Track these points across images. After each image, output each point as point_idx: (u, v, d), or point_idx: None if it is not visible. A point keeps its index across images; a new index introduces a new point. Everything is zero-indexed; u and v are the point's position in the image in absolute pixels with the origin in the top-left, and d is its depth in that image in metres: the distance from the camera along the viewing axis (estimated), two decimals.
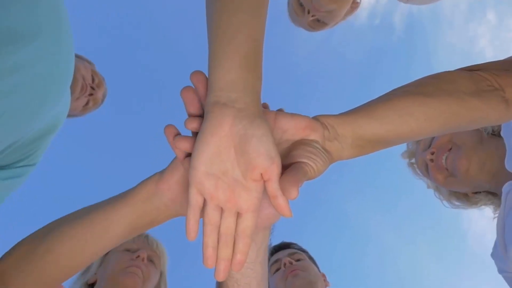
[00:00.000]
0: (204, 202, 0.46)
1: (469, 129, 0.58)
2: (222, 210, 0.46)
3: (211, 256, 0.46)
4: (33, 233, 0.56)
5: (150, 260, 1.07)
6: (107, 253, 1.06)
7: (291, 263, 1.17)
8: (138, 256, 1.03)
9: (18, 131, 0.72)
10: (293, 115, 0.49)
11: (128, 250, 1.05)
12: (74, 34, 0.82)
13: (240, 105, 0.44)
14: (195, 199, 0.46)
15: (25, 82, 0.68)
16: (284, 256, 1.20)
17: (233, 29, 0.45)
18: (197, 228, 0.47)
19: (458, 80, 0.55)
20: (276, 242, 1.30)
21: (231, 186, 0.45)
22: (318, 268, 1.23)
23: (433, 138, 1.10)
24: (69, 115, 1.47)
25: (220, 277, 0.47)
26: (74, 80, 0.90)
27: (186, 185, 0.50)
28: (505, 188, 0.90)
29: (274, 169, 0.43)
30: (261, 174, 0.44)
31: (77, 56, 1.36)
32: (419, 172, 1.20)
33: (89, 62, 1.45)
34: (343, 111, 0.52)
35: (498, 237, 0.91)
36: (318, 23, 1.40)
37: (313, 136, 0.48)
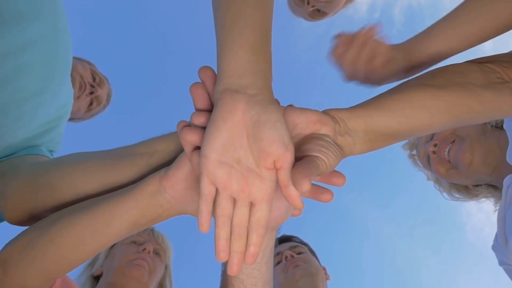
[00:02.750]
0: (216, 192, 0.44)
1: (480, 122, 0.57)
2: (234, 201, 0.44)
3: (224, 248, 0.44)
4: (38, 222, 0.55)
5: (156, 253, 1.07)
6: (113, 246, 1.06)
7: (292, 256, 1.16)
8: (144, 249, 1.03)
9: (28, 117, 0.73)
10: (302, 109, 0.48)
11: (134, 243, 1.05)
12: (74, 37, 0.84)
13: (252, 91, 0.43)
14: (208, 189, 0.44)
15: (32, 62, 0.69)
16: (286, 249, 1.19)
17: (241, 17, 0.44)
18: (210, 220, 0.45)
19: (468, 72, 0.55)
20: (277, 235, 1.29)
21: (244, 175, 0.43)
22: (319, 261, 1.24)
23: None
24: (76, 119, 1.47)
25: (234, 271, 0.45)
26: (72, 78, 0.91)
27: (190, 183, 0.49)
28: (506, 181, 0.90)
29: (287, 157, 0.42)
30: (274, 162, 0.42)
31: (75, 58, 1.36)
32: (419, 163, 1.20)
33: (89, 63, 1.44)
34: (343, 106, 0.51)
35: (498, 230, 0.91)
36: (318, 13, 1.39)
37: (324, 130, 0.47)
